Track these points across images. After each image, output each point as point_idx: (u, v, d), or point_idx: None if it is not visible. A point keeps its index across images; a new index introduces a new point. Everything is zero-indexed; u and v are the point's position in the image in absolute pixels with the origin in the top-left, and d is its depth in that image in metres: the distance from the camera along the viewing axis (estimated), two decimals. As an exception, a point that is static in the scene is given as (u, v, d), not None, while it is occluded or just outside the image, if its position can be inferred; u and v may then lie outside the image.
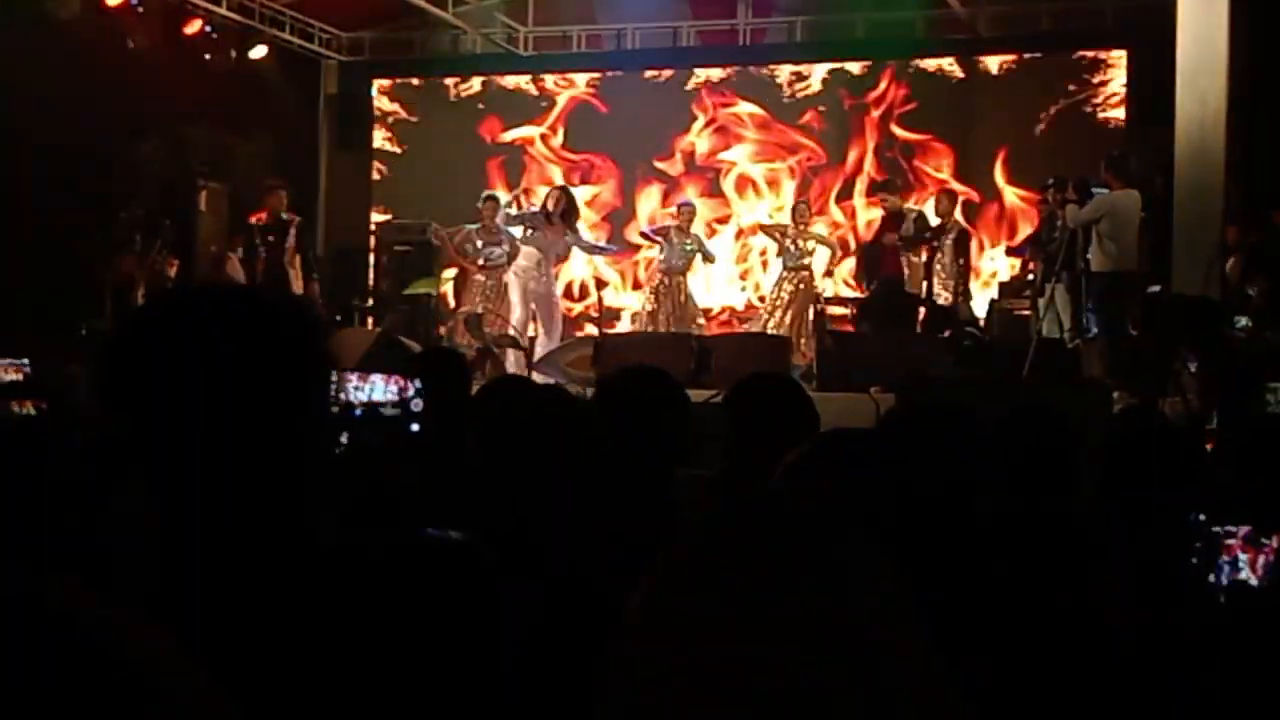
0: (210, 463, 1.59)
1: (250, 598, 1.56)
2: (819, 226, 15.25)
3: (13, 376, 7.14)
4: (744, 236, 16.94)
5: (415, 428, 3.97)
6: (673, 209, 15.62)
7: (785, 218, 15.48)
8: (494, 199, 14.95)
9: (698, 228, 15.81)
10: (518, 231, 14.11)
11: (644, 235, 15.84)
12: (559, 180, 17.53)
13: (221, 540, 1.60)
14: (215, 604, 1.53)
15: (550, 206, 13.84)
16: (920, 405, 3.14)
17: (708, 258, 15.13)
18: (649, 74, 17.54)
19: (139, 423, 1.60)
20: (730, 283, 17.00)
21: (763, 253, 15.73)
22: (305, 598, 1.59)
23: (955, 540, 2.65)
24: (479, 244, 14.59)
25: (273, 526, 1.62)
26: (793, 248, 14.58)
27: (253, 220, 14.82)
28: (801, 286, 14.53)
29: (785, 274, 14.64)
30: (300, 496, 1.65)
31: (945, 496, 2.67)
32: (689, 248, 14.75)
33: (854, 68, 16.80)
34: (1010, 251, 15.14)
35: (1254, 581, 2.16)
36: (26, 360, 7.16)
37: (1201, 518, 2.18)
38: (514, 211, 14.49)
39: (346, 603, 1.60)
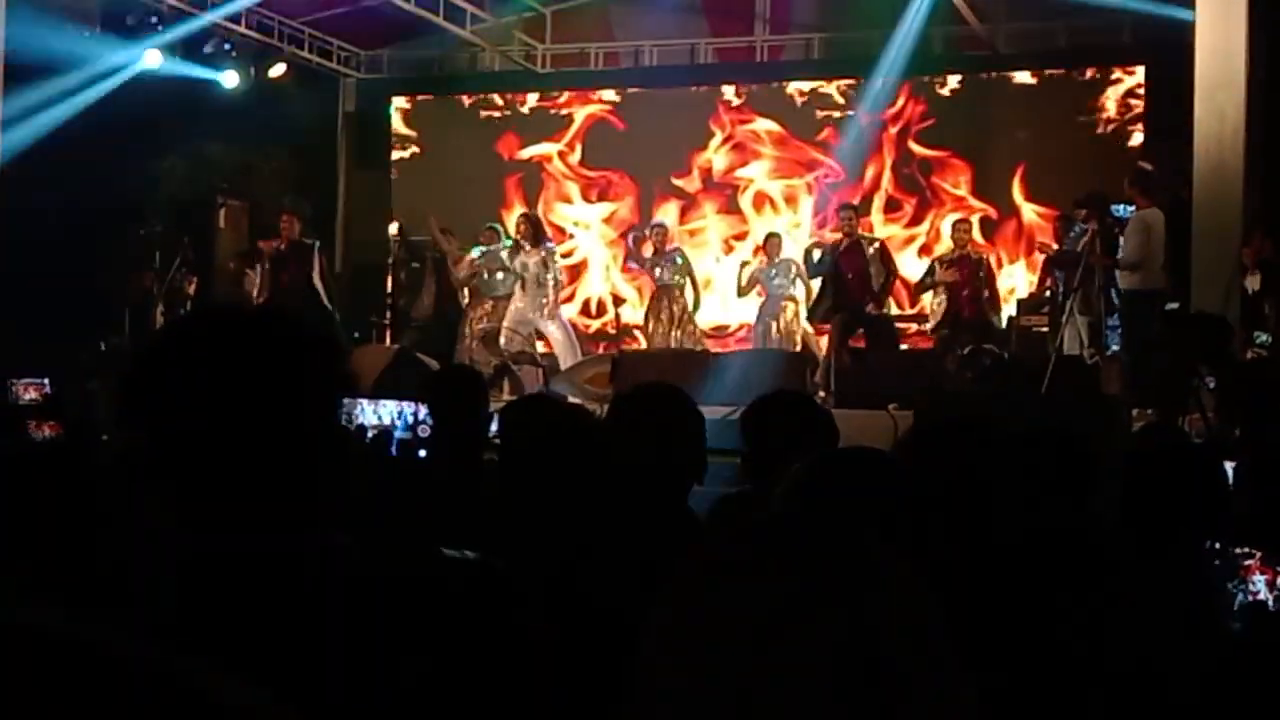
0: (232, 481, 1.60)
1: (273, 615, 1.56)
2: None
3: (33, 395, 7.17)
4: (760, 254, 16.93)
5: (422, 453, 3.99)
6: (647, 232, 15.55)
7: (804, 235, 15.48)
8: (493, 229, 15.05)
9: (715, 246, 15.88)
10: (513, 262, 14.32)
11: (631, 266, 15.88)
12: (577, 198, 17.61)
13: (243, 558, 1.60)
14: (238, 621, 1.54)
15: (519, 237, 14.12)
16: (938, 424, 3.14)
17: (694, 280, 14.96)
18: (666, 91, 17.56)
19: (161, 441, 1.61)
20: (746, 299, 16.98)
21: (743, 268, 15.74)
22: (326, 615, 1.59)
23: (971, 557, 2.64)
24: (485, 275, 14.68)
25: (294, 544, 1.62)
26: (772, 279, 14.54)
27: (262, 245, 14.71)
28: (782, 318, 14.49)
29: (765, 308, 14.64)
30: (321, 514, 1.65)
31: (962, 514, 2.67)
32: (677, 263, 14.76)
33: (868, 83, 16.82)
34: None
35: (1271, 603, 2.16)
36: (46, 380, 7.21)
37: (1218, 544, 2.18)
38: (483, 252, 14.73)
39: (368, 621, 1.60)
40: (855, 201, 15.10)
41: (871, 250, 13.65)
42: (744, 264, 15.36)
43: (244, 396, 1.60)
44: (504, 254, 14.47)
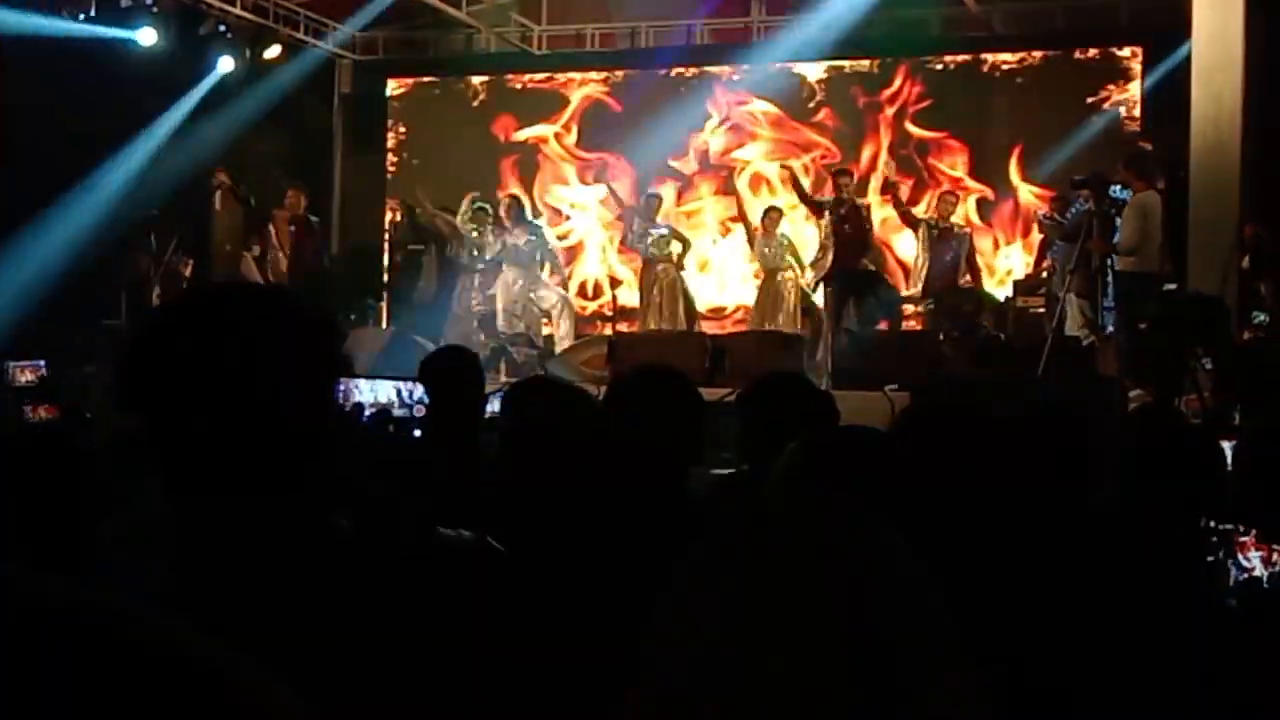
0: (229, 461, 1.60)
1: (269, 593, 1.56)
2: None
3: (29, 378, 7.16)
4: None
5: (418, 433, 4.00)
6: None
7: (800, 215, 15.48)
8: (483, 210, 15.09)
9: (711, 228, 15.94)
10: (491, 237, 14.39)
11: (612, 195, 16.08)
12: (573, 180, 17.59)
13: (240, 537, 1.60)
14: (234, 600, 1.54)
15: (505, 216, 14.16)
16: (935, 405, 3.14)
17: (683, 241, 15.29)
18: (663, 72, 17.53)
19: (158, 421, 1.61)
20: (744, 281, 16.97)
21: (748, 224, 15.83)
22: (322, 594, 1.59)
23: (970, 539, 2.64)
24: (474, 252, 14.77)
25: (291, 523, 1.62)
26: (766, 251, 14.63)
27: (276, 212, 15.08)
28: (780, 288, 14.53)
29: (764, 279, 14.72)
30: (318, 494, 1.65)
31: (959, 496, 2.67)
32: (661, 235, 14.88)
33: (868, 65, 16.78)
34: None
35: (1265, 579, 2.16)
36: (43, 362, 7.19)
37: (1214, 522, 2.19)
38: (464, 216, 14.77)
39: (363, 599, 1.60)
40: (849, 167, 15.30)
41: (864, 212, 14.04)
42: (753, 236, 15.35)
43: (240, 376, 1.60)
44: (490, 234, 14.54)
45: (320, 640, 1.53)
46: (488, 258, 14.58)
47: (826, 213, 14.02)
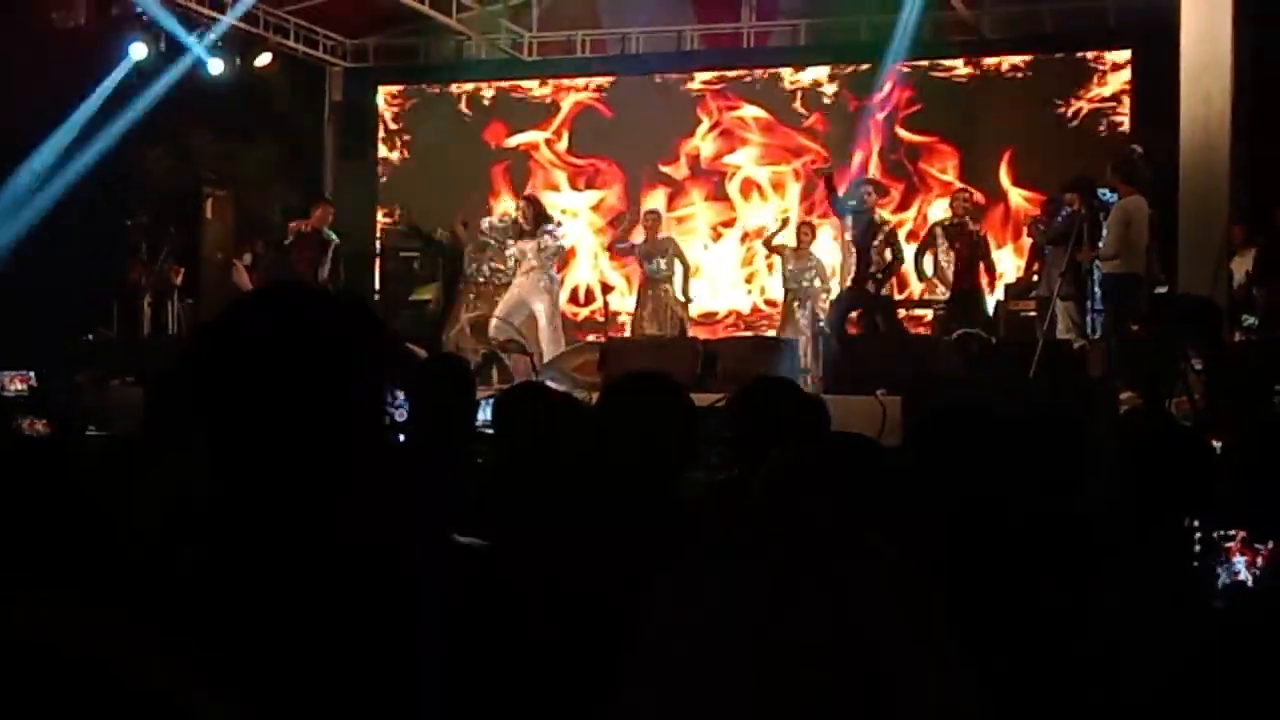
0: (286, 451, 1.59)
1: (300, 585, 1.56)
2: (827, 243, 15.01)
3: (19, 387, 7.14)
4: (749, 240, 16.91)
5: (400, 438, 3.99)
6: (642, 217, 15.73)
7: (791, 223, 15.45)
8: (506, 226, 15.02)
9: (703, 233, 15.90)
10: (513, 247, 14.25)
11: (619, 251, 16.03)
12: (564, 186, 17.59)
13: (288, 538, 1.60)
14: (262, 588, 1.54)
15: (521, 220, 13.97)
16: (943, 409, 3.14)
17: (685, 264, 15.14)
18: (653, 78, 17.54)
19: (220, 405, 1.60)
20: (735, 286, 16.99)
21: (767, 257, 15.65)
22: (351, 593, 1.59)
23: (967, 542, 2.65)
24: (478, 265, 14.72)
25: (333, 519, 1.62)
26: (794, 270, 14.53)
27: (295, 224, 14.88)
28: (807, 305, 14.46)
29: (788, 295, 14.62)
30: (362, 493, 1.65)
31: (969, 501, 2.67)
32: (664, 257, 14.85)
33: (858, 70, 16.81)
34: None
35: (1250, 582, 2.17)
36: (32, 372, 7.18)
37: (1200, 524, 2.20)
38: (491, 224, 14.66)
39: (379, 602, 1.60)
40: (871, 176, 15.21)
41: (882, 234, 13.67)
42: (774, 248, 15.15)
43: (312, 372, 1.60)
44: (509, 241, 14.39)
45: (342, 637, 1.53)
46: (511, 264, 14.34)
47: (848, 219, 13.93)
